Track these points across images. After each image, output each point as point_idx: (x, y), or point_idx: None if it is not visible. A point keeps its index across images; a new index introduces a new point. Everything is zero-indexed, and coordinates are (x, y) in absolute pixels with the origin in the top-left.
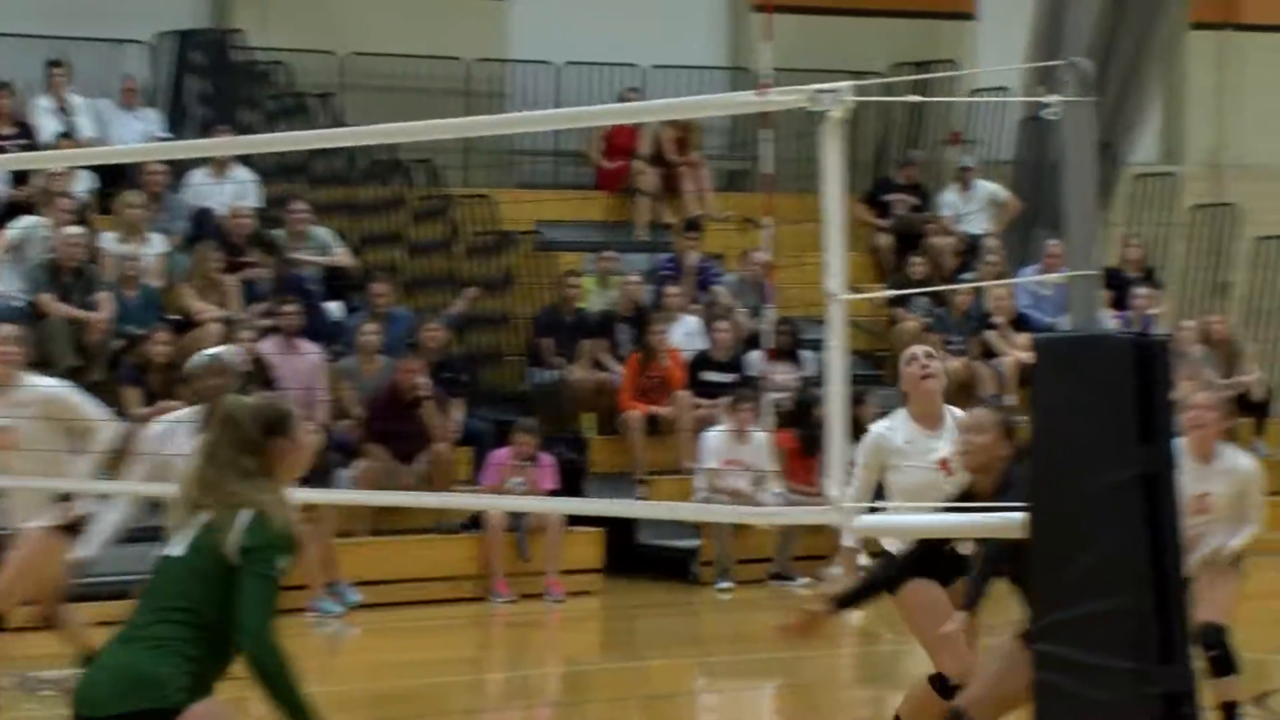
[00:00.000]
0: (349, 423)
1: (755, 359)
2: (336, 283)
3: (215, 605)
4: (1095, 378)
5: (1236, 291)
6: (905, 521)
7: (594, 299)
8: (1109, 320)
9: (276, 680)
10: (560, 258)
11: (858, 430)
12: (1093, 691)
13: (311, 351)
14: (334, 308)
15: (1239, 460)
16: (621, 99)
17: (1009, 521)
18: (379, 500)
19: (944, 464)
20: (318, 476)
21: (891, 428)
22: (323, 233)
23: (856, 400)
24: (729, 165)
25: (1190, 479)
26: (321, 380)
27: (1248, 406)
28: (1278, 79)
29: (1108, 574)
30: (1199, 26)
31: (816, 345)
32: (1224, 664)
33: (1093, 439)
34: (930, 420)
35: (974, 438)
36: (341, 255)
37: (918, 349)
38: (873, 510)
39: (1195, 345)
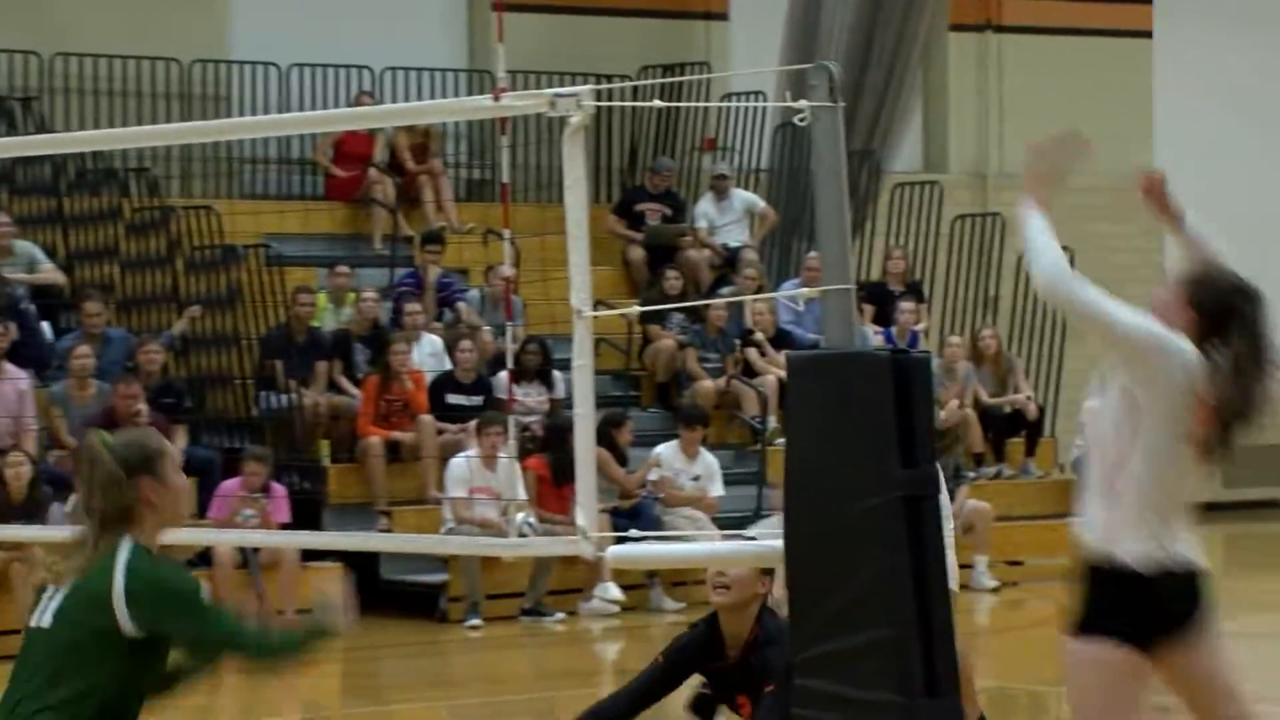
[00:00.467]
0: (61, 454)
1: (501, 380)
2: (45, 301)
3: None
4: (852, 396)
5: (1003, 305)
6: (657, 551)
7: (328, 317)
8: (871, 336)
9: (281, 652)
10: (290, 273)
11: (618, 454)
12: None
13: (19, 377)
14: (43, 328)
15: None
16: (354, 103)
17: (767, 550)
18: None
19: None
20: (29, 512)
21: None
22: (28, 247)
23: (614, 423)
24: (471, 174)
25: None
26: (30, 407)
27: (1020, 425)
28: (1040, 82)
29: (870, 604)
30: (959, 28)
31: (568, 365)
32: None
33: (851, 461)
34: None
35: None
36: (50, 272)
37: None
38: (623, 540)
39: (963, 361)
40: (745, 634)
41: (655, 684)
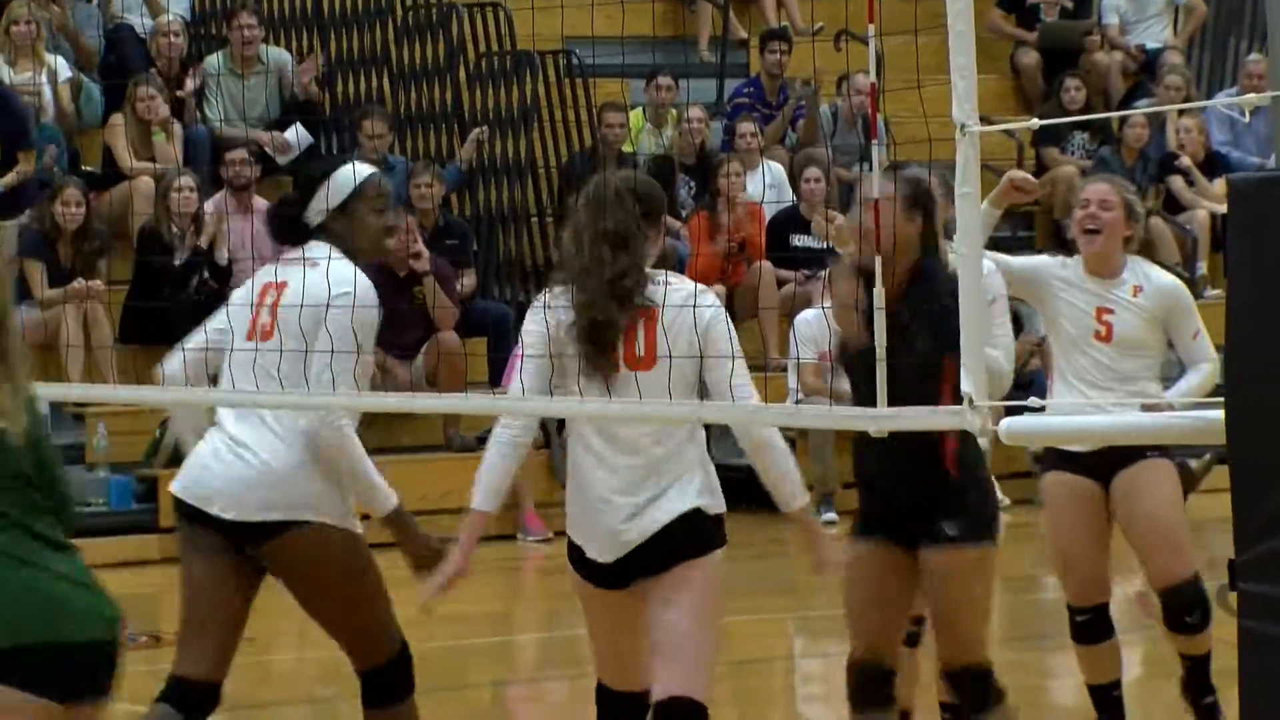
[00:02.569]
0: None
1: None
2: (300, 119)
3: None
4: None
5: None
6: (1065, 425)
7: (644, 140)
8: None
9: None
10: (598, 85)
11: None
12: None
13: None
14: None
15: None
16: None
17: (1206, 422)
18: (367, 405)
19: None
20: None
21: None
22: (280, 55)
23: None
24: None
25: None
26: None
27: None
28: None
29: None
30: None
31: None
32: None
33: None
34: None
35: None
36: (306, 77)
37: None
38: (1013, 411)
39: None
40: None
41: None
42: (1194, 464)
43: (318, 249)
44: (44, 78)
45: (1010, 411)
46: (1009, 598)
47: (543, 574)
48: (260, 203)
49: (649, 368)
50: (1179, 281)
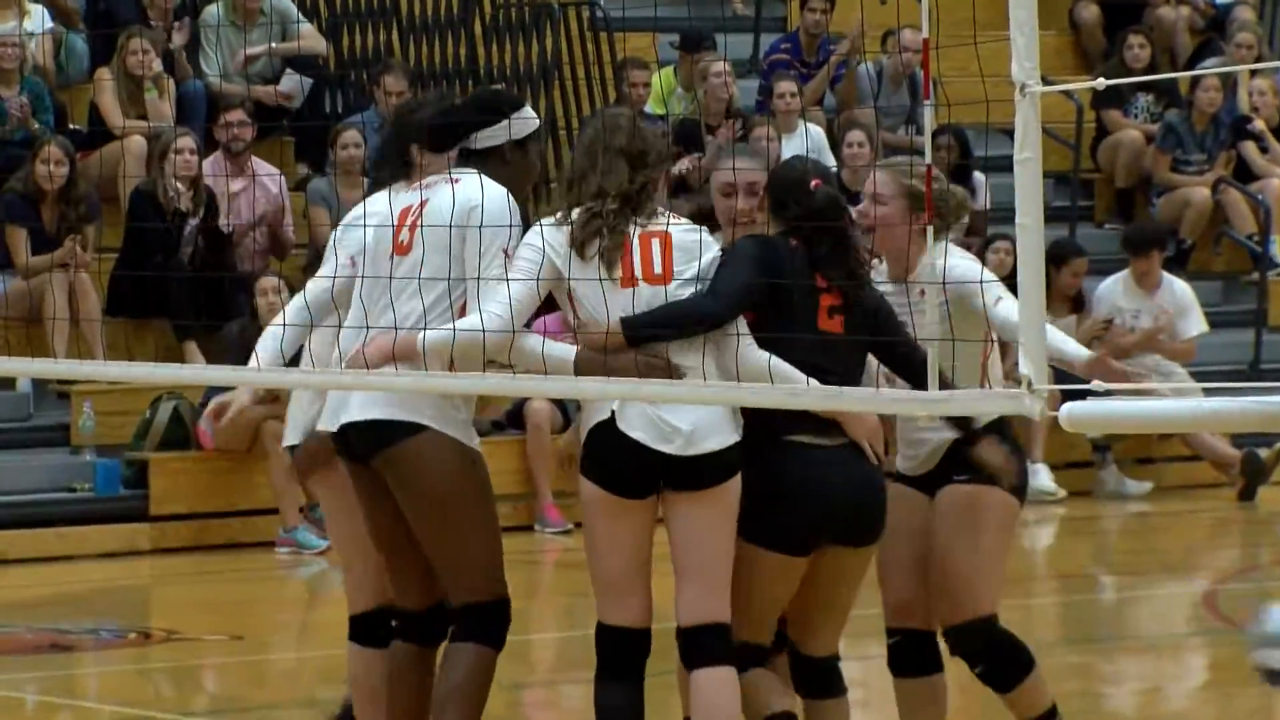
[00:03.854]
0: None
1: None
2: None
3: None
4: None
5: None
6: (1129, 411)
7: (673, 103)
8: None
9: None
10: (624, 40)
11: (1056, 287)
12: None
13: (270, 173)
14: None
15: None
16: None
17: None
18: (375, 384)
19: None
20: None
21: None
22: (283, 3)
23: (1056, 260)
24: None
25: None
26: (286, 215)
27: None
28: None
29: None
30: None
31: (989, 164)
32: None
33: None
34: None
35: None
36: (309, 36)
37: None
38: (1074, 395)
39: None
40: None
41: None
42: (1264, 453)
43: (465, 171)
44: (28, 27)
45: (1071, 396)
46: (1064, 597)
47: (562, 568)
48: (263, 167)
49: (666, 283)
50: (969, 263)
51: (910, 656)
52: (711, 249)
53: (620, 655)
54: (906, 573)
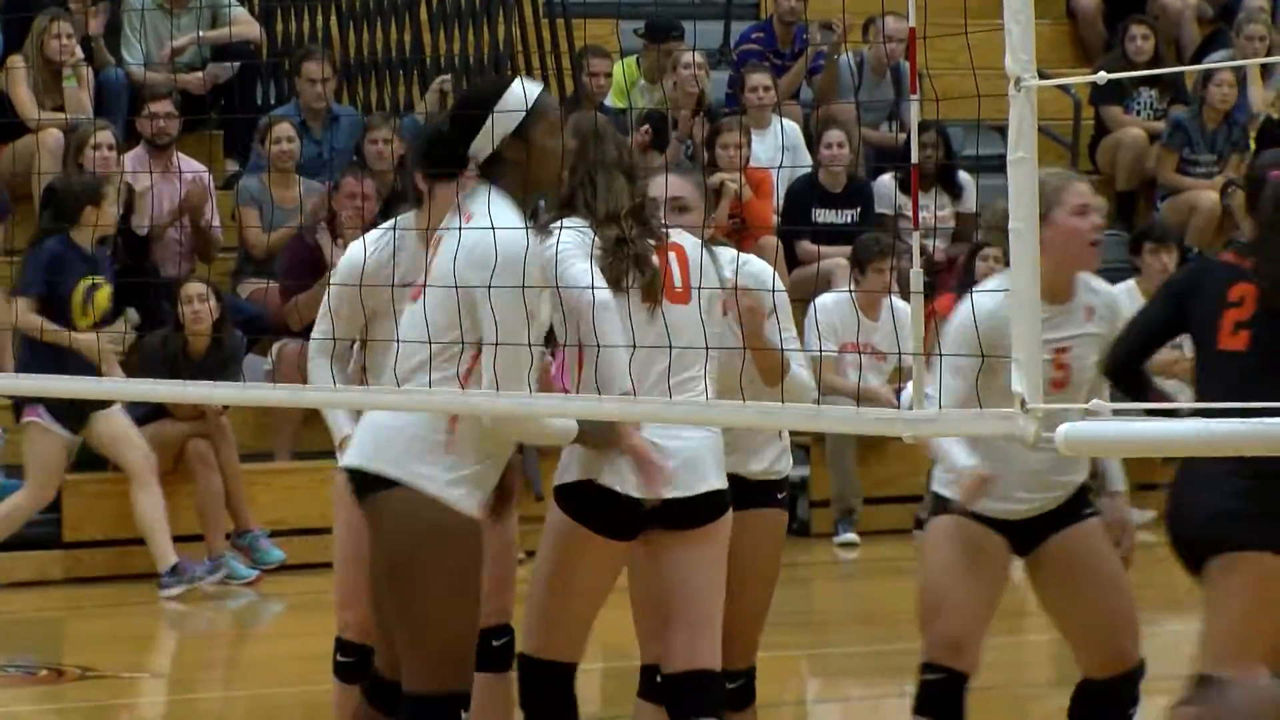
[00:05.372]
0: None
1: (886, 186)
2: (236, 63)
3: None
4: None
5: None
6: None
7: (636, 95)
8: None
9: None
10: (582, 27)
11: None
12: None
13: (197, 170)
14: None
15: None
16: None
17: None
18: (309, 401)
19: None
20: (214, 368)
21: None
22: None
23: None
24: None
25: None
26: (213, 214)
27: None
28: None
29: None
30: None
31: (976, 164)
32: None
33: None
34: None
35: None
36: (242, 23)
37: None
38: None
39: None
40: None
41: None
42: None
43: (475, 196)
44: None
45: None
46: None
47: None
48: (189, 163)
49: (685, 301)
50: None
51: (944, 700)
52: (727, 260)
53: (554, 689)
54: (968, 612)
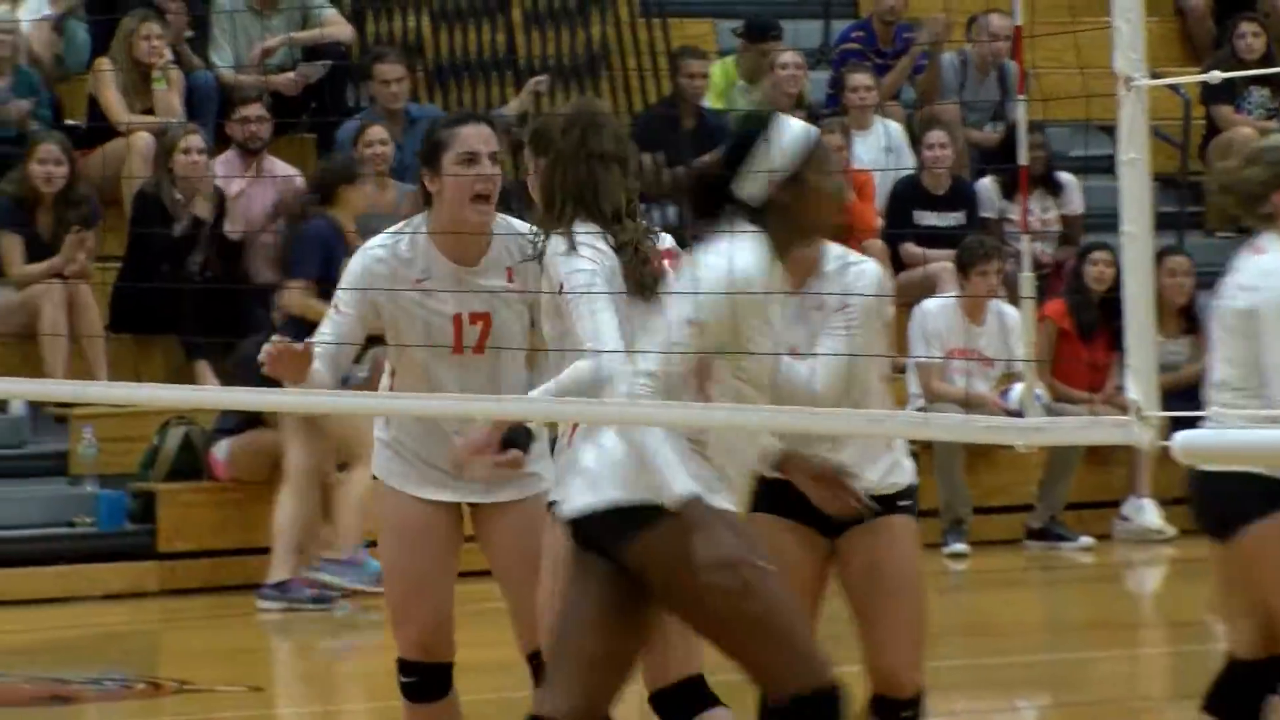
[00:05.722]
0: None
1: (989, 189)
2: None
3: None
4: None
5: None
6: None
7: (734, 96)
8: None
9: None
10: (679, 27)
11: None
12: None
13: (290, 174)
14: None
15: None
16: None
17: None
18: (420, 409)
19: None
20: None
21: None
22: None
23: (1158, 254)
24: None
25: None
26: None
27: None
28: None
29: None
30: None
31: (1084, 166)
32: None
33: None
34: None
35: None
36: (333, 24)
37: None
38: (1187, 423)
39: None
40: None
41: None
42: None
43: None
44: (20, 14)
45: (1183, 423)
46: (1175, 647)
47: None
48: (280, 166)
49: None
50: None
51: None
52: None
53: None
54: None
